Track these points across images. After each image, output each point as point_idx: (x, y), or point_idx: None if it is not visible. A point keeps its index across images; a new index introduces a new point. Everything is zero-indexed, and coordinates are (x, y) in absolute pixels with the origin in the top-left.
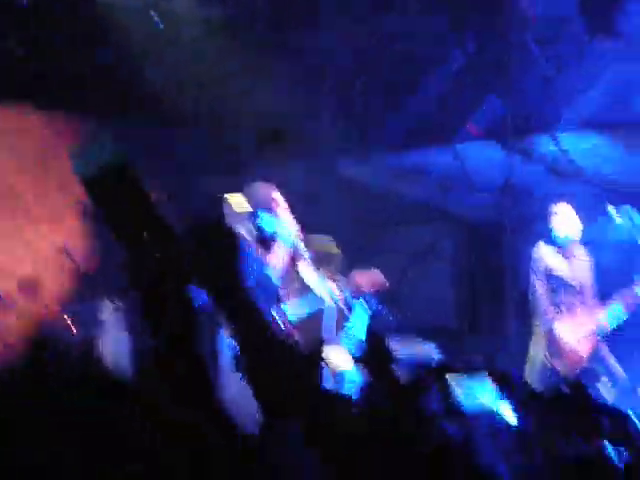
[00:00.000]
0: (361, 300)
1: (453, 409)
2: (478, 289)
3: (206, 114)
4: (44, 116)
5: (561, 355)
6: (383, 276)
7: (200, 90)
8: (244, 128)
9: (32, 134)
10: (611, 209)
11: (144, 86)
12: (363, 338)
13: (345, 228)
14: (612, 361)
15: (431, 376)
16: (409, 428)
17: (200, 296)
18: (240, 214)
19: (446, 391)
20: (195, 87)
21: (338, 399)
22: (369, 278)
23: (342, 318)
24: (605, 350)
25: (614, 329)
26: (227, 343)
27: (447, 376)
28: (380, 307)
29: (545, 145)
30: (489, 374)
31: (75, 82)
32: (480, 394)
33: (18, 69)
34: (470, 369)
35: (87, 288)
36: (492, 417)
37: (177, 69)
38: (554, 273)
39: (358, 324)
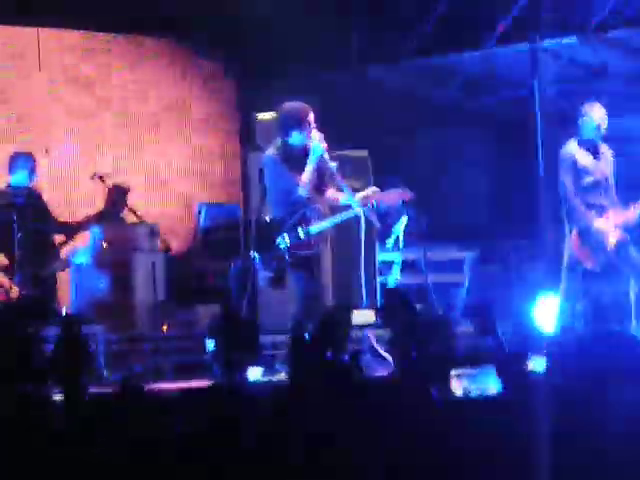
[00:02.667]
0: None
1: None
2: (511, 192)
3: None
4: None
5: (592, 252)
6: (407, 191)
7: None
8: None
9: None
10: None
11: None
12: (400, 245)
13: (376, 133)
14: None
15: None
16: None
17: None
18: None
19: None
20: None
21: None
22: (396, 195)
23: (374, 228)
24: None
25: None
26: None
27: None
28: (413, 214)
29: (575, 45)
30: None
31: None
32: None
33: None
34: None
35: None
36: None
37: None
38: (584, 170)
39: (393, 234)
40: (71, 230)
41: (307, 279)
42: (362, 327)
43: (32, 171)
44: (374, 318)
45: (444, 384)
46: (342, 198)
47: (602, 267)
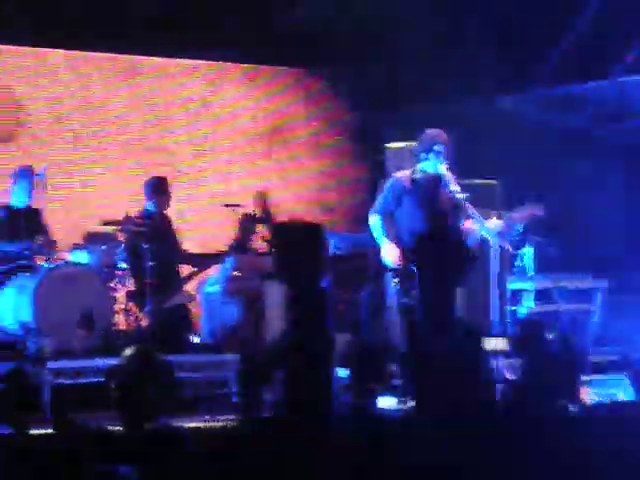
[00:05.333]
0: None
1: None
2: None
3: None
4: None
5: None
6: (539, 208)
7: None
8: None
9: None
10: None
11: None
12: (532, 273)
13: (506, 164)
14: None
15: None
16: None
17: None
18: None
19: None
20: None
21: None
22: (527, 212)
23: (507, 256)
24: None
25: None
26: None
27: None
28: (546, 241)
29: None
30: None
31: None
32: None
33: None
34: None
35: None
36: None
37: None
38: None
39: (526, 261)
40: (202, 263)
41: None
42: (494, 354)
43: (168, 197)
44: (507, 346)
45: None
46: (477, 230)
47: None
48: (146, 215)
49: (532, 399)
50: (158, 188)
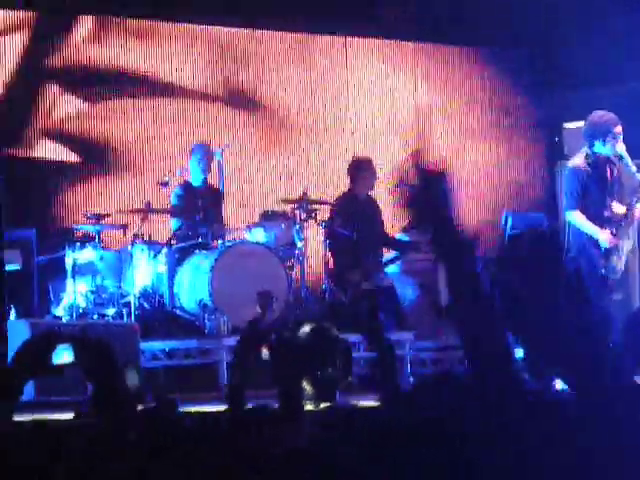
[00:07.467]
0: None
1: None
2: None
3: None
4: None
5: None
6: None
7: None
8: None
9: None
10: None
11: None
12: None
13: None
14: None
15: None
16: None
17: None
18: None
19: None
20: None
21: None
22: None
23: None
24: None
25: None
26: None
27: None
28: None
29: None
30: None
31: None
32: None
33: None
34: None
35: None
36: None
37: None
38: None
39: None
40: (404, 248)
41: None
42: None
43: (368, 178)
44: None
45: None
46: None
47: None
48: (346, 196)
49: None
50: (356, 169)
